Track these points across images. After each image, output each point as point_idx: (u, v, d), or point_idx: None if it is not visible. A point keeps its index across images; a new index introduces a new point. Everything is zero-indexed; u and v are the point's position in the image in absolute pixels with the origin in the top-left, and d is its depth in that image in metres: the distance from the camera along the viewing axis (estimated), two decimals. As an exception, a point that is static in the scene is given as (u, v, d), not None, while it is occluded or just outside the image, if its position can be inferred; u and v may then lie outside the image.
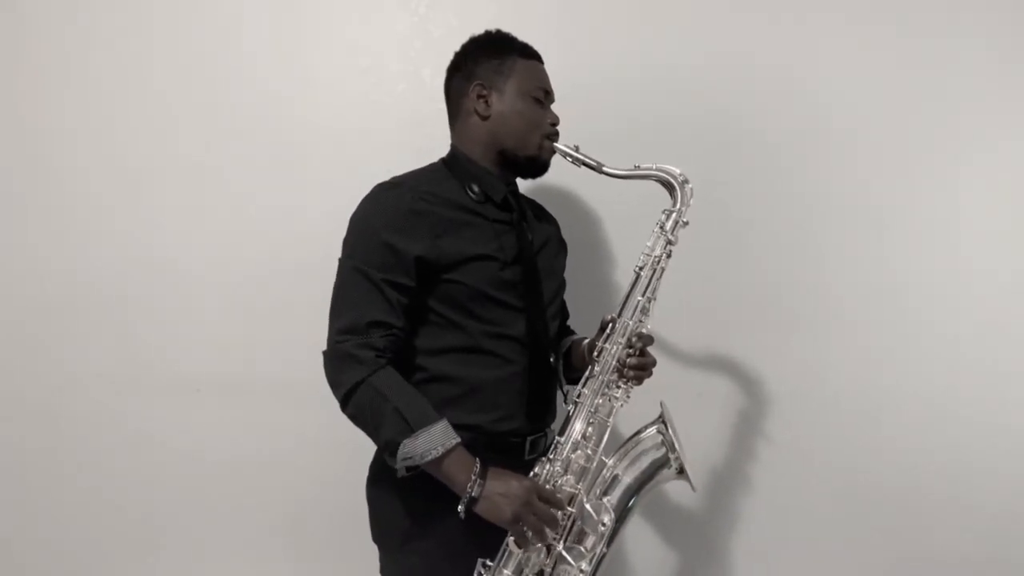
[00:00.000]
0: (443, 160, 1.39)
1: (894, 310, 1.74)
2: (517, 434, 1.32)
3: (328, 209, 1.68)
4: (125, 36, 1.79)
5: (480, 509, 1.18)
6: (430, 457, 1.17)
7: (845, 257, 1.75)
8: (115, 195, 1.81)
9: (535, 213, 1.49)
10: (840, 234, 1.75)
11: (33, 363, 1.84)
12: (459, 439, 1.20)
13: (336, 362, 1.22)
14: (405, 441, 1.16)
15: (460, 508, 1.18)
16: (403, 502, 1.28)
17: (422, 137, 1.70)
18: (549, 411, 1.40)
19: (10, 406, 1.85)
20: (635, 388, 1.31)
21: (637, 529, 1.82)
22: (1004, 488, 1.73)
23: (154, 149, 1.80)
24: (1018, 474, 1.72)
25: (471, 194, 1.31)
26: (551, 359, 1.36)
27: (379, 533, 1.35)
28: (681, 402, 1.34)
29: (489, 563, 1.25)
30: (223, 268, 1.80)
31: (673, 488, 1.78)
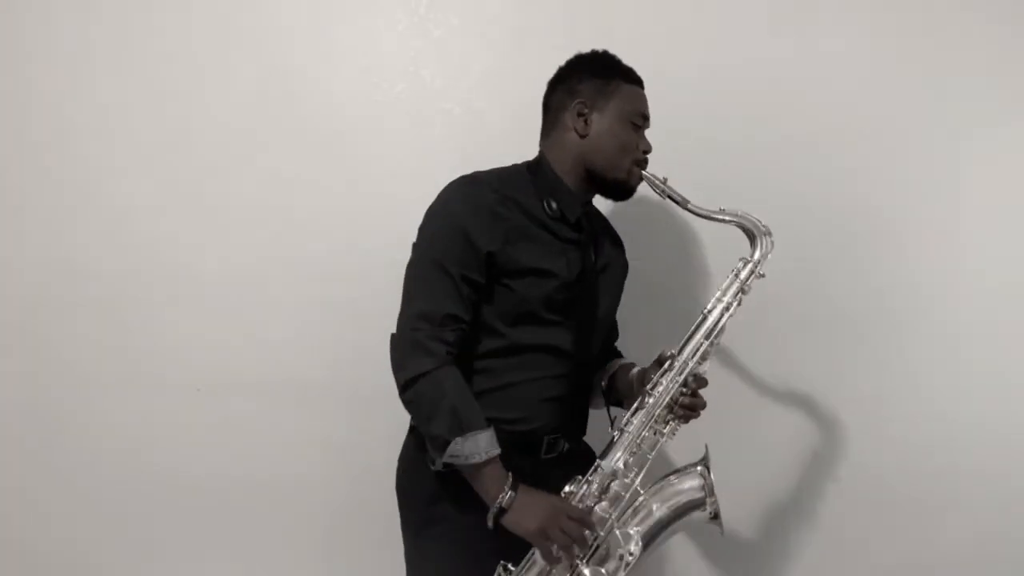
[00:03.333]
0: (527, 165, 1.40)
1: (899, 311, 1.76)
2: (534, 434, 1.35)
3: (328, 209, 1.72)
4: (127, 35, 1.78)
5: (507, 520, 1.22)
6: (472, 461, 1.21)
7: (853, 258, 1.77)
8: (114, 195, 1.80)
9: (603, 232, 1.50)
10: (843, 237, 1.76)
11: (33, 363, 1.82)
12: (499, 450, 1.24)
13: (406, 347, 1.25)
14: (456, 439, 1.20)
15: (490, 519, 1.22)
16: (431, 488, 1.32)
17: (422, 137, 1.71)
18: (583, 428, 1.44)
19: (10, 406, 1.83)
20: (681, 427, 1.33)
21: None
22: (1011, 488, 1.76)
23: (153, 149, 1.79)
24: None
25: (548, 209, 1.33)
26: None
27: (405, 518, 1.38)
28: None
29: (512, 567, 1.28)
30: (223, 268, 1.80)
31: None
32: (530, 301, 1.29)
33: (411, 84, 1.77)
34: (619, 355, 1.57)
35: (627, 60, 1.68)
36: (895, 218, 1.75)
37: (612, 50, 1.69)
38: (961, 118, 1.74)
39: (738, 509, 1.82)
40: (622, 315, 1.54)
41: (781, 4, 1.75)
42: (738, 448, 1.79)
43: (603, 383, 1.50)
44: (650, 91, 1.69)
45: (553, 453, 1.37)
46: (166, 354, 1.81)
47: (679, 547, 1.85)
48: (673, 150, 1.60)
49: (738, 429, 1.79)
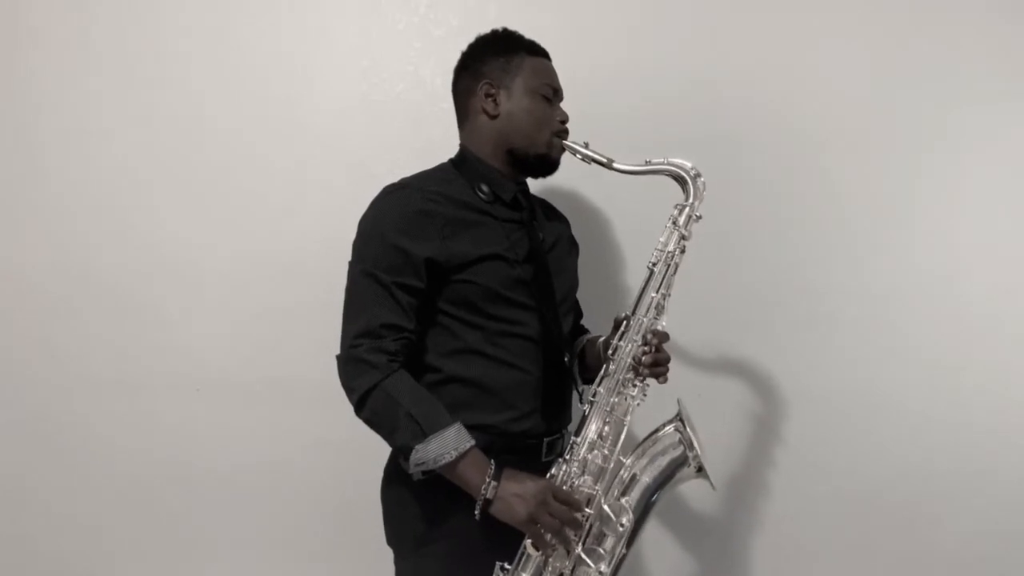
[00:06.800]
0: (452, 161, 1.38)
1: (895, 311, 1.73)
2: (533, 435, 1.31)
3: (328, 209, 1.72)
4: (129, 36, 1.79)
5: (495, 510, 1.17)
6: (443, 461, 1.16)
7: (847, 257, 1.74)
8: (115, 195, 1.81)
9: (546, 212, 1.48)
10: (842, 235, 1.74)
11: (33, 363, 1.83)
12: (473, 442, 1.19)
13: (350, 367, 1.22)
14: (417, 446, 1.16)
15: (476, 510, 1.17)
16: (418, 505, 1.28)
17: (422, 137, 1.70)
18: (565, 412, 1.38)
19: (10, 406, 1.84)
20: (651, 387, 1.29)
21: (648, 531, 1.80)
22: (1005, 488, 1.72)
23: (154, 149, 1.80)
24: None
25: (480, 194, 1.31)
26: (565, 359, 1.34)
27: (393, 536, 1.34)
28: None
29: (507, 566, 1.23)
30: (223, 268, 1.80)
31: (686, 489, 1.77)
32: (490, 286, 1.25)
33: (411, 84, 1.77)
34: (586, 331, 1.54)
35: (627, 58, 1.72)
36: (893, 218, 1.73)
37: (612, 49, 1.73)
38: (960, 118, 1.72)
39: (737, 509, 1.80)
40: (579, 294, 1.51)
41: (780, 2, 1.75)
42: (736, 447, 1.78)
43: (575, 365, 1.46)
44: (654, 91, 1.72)
45: (553, 455, 1.33)
46: (166, 354, 1.81)
47: (672, 549, 1.82)
48: (680, 149, 1.61)
49: (736, 428, 1.77)
